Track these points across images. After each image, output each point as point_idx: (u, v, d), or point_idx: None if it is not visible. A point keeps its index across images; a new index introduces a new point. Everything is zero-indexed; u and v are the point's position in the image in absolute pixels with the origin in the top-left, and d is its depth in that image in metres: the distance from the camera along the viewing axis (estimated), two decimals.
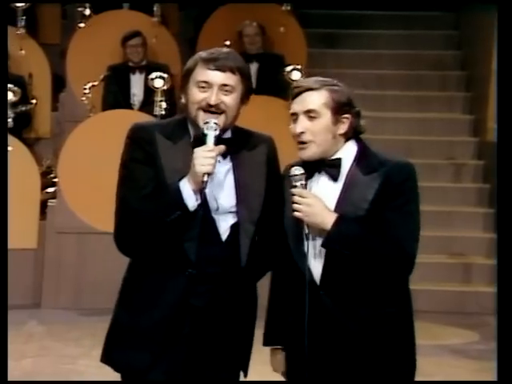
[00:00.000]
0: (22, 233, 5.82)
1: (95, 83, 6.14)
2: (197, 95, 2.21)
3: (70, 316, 5.35)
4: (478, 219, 6.43)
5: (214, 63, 2.22)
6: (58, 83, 6.83)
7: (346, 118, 2.27)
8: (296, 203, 2.21)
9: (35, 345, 4.87)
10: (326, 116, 2.24)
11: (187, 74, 2.25)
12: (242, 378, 2.35)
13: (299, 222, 2.23)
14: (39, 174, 5.99)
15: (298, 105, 2.26)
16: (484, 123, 6.83)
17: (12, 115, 6.04)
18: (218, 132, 2.19)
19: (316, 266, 2.23)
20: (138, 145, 2.22)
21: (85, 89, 6.07)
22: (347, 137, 2.28)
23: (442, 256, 6.21)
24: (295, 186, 2.23)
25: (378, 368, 2.24)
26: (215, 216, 2.21)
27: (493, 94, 6.68)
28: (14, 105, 6.15)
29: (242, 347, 2.30)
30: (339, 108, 2.24)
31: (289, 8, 7.03)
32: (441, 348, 5.07)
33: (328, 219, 2.20)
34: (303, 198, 2.21)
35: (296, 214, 2.21)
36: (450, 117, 7.13)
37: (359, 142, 2.30)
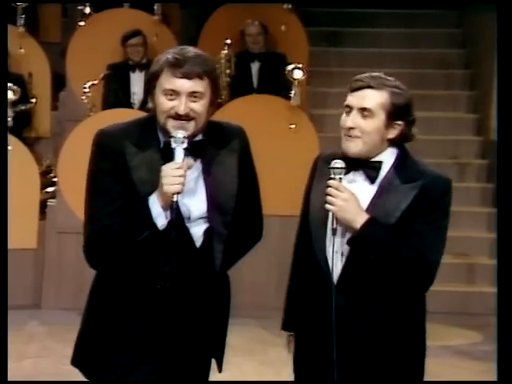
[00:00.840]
0: (22, 233, 5.82)
1: (95, 82, 6.15)
2: (165, 104, 2.14)
3: (70, 316, 5.35)
4: (482, 219, 6.43)
5: (181, 70, 2.13)
6: (58, 82, 6.83)
7: (399, 124, 2.24)
8: (331, 196, 2.18)
9: (36, 345, 4.88)
10: (380, 118, 2.22)
11: (153, 79, 2.17)
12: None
13: (326, 217, 2.21)
14: (39, 173, 6.00)
15: (355, 99, 2.23)
16: (488, 122, 6.82)
17: (12, 114, 6.04)
18: (185, 145, 2.14)
19: (336, 264, 2.22)
20: (106, 155, 2.16)
21: (85, 88, 6.08)
22: (394, 142, 2.26)
23: (446, 256, 6.13)
24: (333, 179, 2.20)
25: (384, 374, 2.24)
26: (188, 224, 2.19)
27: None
28: (14, 104, 6.15)
29: (216, 346, 2.33)
30: (395, 113, 2.22)
31: (290, 6, 7.03)
32: (445, 349, 5.07)
33: (359, 218, 2.18)
34: (340, 191, 2.19)
35: (328, 206, 2.19)
36: (454, 116, 7.13)
37: (400, 148, 2.28)
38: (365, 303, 2.21)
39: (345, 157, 2.23)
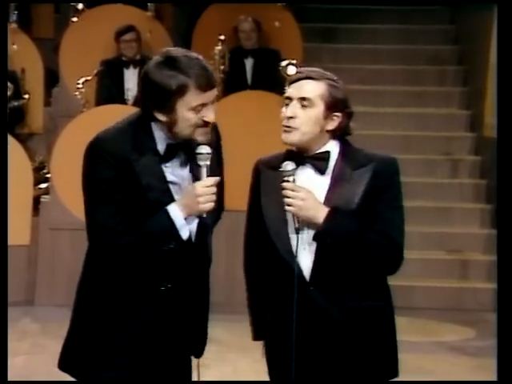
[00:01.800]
0: (15, 229, 5.79)
1: (89, 78, 6.12)
2: (194, 118, 2.14)
3: (63, 313, 5.31)
4: (475, 215, 6.43)
5: (209, 84, 2.16)
6: (51, 78, 6.80)
7: (337, 116, 2.27)
8: (288, 197, 2.22)
9: (29, 342, 4.86)
10: (319, 108, 2.24)
11: (173, 94, 2.11)
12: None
13: (284, 217, 2.23)
14: (32, 169, 5.97)
15: (294, 90, 2.27)
16: (481, 118, 6.82)
17: None
18: (209, 162, 2.18)
19: (305, 261, 2.24)
20: (109, 163, 2.13)
21: (78, 84, 6.05)
22: (334, 135, 2.29)
23: (439, 252, 6.21)
24: (287, 181, 2.23)
25: (364, 361, 2.26)
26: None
27: (490, 89, 6.68)
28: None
29: (200, 338, 2.32)
30: (333, 104, 2.25)
31: (284, 3, 7.02)
32: (438, 345, 5.07)
33: (320, 213, 2.21)
34: (296, 192, 2.22)
35: (288, 208, 2.22)
36: (447, 112, 7.12)
37: (342, 140, 2.31)
38: (340, 294, 2.23)
39: (290, 154, 2.27)
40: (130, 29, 6.48)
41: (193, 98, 2.14)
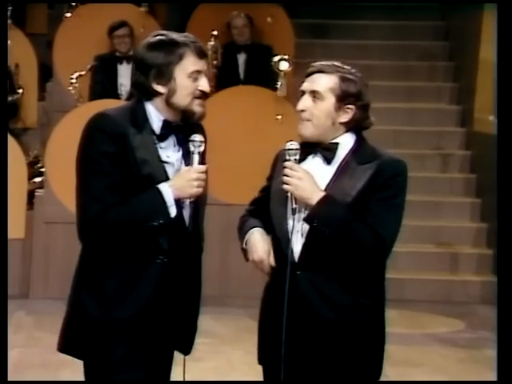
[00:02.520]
0: (10, 223, 5.77)
1: (82, 73, 6.11)
2: (191, 86, 2.24)
3: (58, 306, 5.31)
4: (465, 209, 6.45)
5: (203, 52, 2.27)
6: (45, 73, 6.78)
7: (350, 108, 2.28)
8: (287, 176, 2.23)
9: (23, 335, 4.86)
10: (330, 101, 2.26)
11: (172, 61, 2.22)
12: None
13: (285, 199, 2.25)
14: (26, 163, 5.96)
15: (306, 83, 2.30)
16: (471, 113, 6.84)
17: None
18: (202, 148, 2.25)
19: (297, 244, 2.26)
20: (110, 137, 2.19)
21: (72, 78, 6.04)
22: (348, 127, 2.30)
23: (430, 245, 6.23)
24: (288, 160, 2.25)
25: (348, 357, 2.25)
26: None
27: (480, 85, 6.70)
28: None
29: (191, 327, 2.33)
30: (344, 97, 2.27)
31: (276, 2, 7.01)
32: (428, 336, 5.09)
33: (315, 195, 2.23)
34: (294, 171, 2.23)
35: (285, 186, 2.24)
36: (438, 107, 7.14)
37: (358, 134, 2.32)
38: (326, 285, 2.24)
39: (303, 142, 2.29)
40: (122, 24, 6.46)
41: (190, 63, 2.24)
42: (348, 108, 2.27)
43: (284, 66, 5.95)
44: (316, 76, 2.28)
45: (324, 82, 2.26)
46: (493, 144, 5.86)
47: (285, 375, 2.25)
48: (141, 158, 2.20)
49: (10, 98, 6.31)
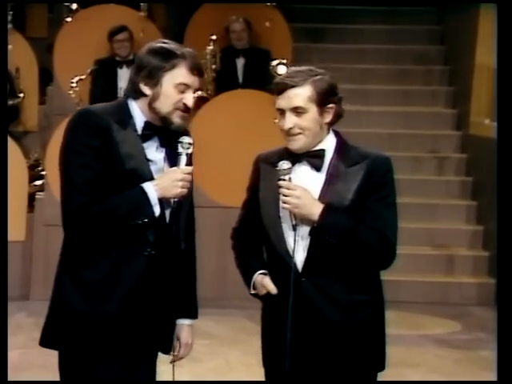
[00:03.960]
0: (11, 225, 5.76)
1: (82, 77, 6.11)
2: (175, 96, 2.24)
3: None
4: (460, 211, 6.45)
5: (198, 69, 2.27)
6: (46, 77, 6.78)
7: (331, 107, 2.30)
8: (285, 195, 2.24)
9: (24, 336, 4.85)
10: (312, 109, 2.27)
11: (163, 67, 2.23)
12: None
13: (280, 213, 2.26)
14: (27, 166, 5.96)
15: (283, 101, 2.29)
16: (467, 117, 6.84)
17: None
18: (191, 150, 2.25)
19: (298, 255, 2.27)
20: (94, 131, 2.20)
21: (72, 82, 6.04)
22: (331, 125, 2.32)
23: (426, 247, 6.23)
24: (283, 180, 2.25)
25: (351, 353, 2.27)
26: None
27: (475, 89, 6.70)
28: None
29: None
30: (323, 99, 2.27)
31: (274, 3, 7.02)
32: (425, 337, 5.09)
33: (315, 210, 2.24)
34: (291, 190, 2.24)
35: (285, 205, 2.25)
36: (434, 111, 7.14)
37: (337, 134, 2.34)
38: (331, 288, 2.25)
39: (289, 153, 2.29)
40: (122, 29, 6.46)
41: (180, 75, 2.24)
42: (329, 108, 2.29)
43: (282, 69, 5.95)
44: (290, 92, 2.26)
45: (301, 95, 2.26)
46: (488, 147, 5.88)
47: (290, 377, 2.25)
48: (125, 153, 2.20)
49: (10, 102, 6.31)
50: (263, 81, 6.20)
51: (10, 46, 6.58)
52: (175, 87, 2.23)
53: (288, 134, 2.28)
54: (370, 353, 2.29)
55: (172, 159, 2.25)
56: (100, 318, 2.19)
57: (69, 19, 6.81)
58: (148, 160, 2.23)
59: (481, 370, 4.34)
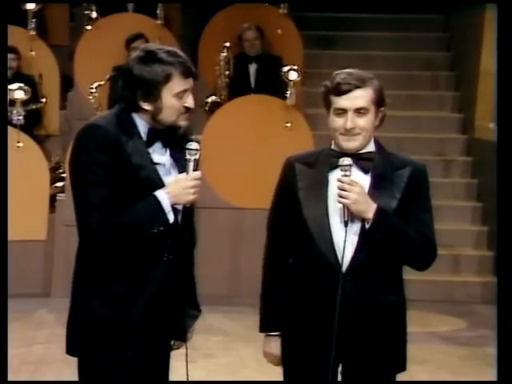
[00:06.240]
0: (33, 225, 5.81)
1: (102, 83, 6.14)
2: (177, 104, 2.21)
3: None
4: (466, 212, 6.43)
5: (190, 71, 2.24)
6: (67, 83, 6.82)
7: (382, 111, 2.33)
8: (344, 190, 2.23)
9: (46, 332, 4.88)
10: (372, 111, 2.29)
11: (160, 83, 2.19)
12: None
13: (326, 211, 2.24)
14: (48, 169, 5.99)
15: (348, 102, 2.27)
16: (472, 121, 6.82)
17: (23, 113, 6.03)
18: (198, 156, 2.23)
19: (346, 252, 2.25)
20: (104, 147, 2.16)
21: (92, 88, 6.07)
22: (377, 127, 2.34)
23: None
24: (345, 175, 2.25)
25: (383, 353, 2.27)
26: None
27: (481, 94, 6.68)
28: (25, 103, 6.13)
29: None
30: (380, 102, 2.31)
31: (286, 11, 7.02)
32: (431, 335, 5.08)
33: (370, 208, 2.24)
34: (352, 186, 2.24)
35: (343, 200, 2.24)
36: (440, 115, 7.12)
37: (375, 139, 2.35)
38: (370, 286, 2.26)
39: (334, 153, 2.30)
40: (139, 36, 6.48)
41: (176, 84, 2.21)
42: (381, 111, 2.31)
43: (293, 75, 5.96)
44: (355, 92, 2.26)
45: (365, 97, 2.27)
46: (493, 150, 5.86)
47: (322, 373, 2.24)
48: (137, 164, 2.18)
49: (33, 107, 6.34)
50: (275, 86, 6.20)
51: (33, 53, 6.64)
52: (175, 96, 2.21)
53: (346, 133, 2.27)
54: (396, 353, 2.30)
55: (177, 160, 2.25)
56: (127, 324, 2.19)
57: (89, 27, 6.84)
58: (155, 163, 2.22)
59: (486, 366, 4.32)
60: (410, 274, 6.38)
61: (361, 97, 2.26)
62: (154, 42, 6.57)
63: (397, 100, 7.19)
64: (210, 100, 6.42)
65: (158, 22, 6.81)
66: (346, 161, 2.25)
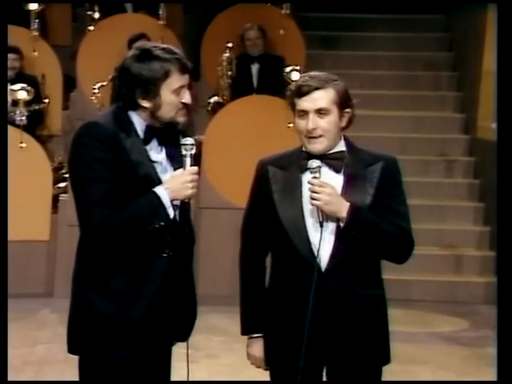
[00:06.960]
0: (35, 225, 5.81)
1: (104, 83, 6.14)
2: (175, 100, 2.23)
3: None
4: (468, 213, 6.42)
5: (186, 67, 2.26)
6: (69, 83, 6.82)
7: (348, 111, 2.32)
8: (315, 192, 2.25)
9: (48, 332, 4.88)
10: (334, 112, 2.29)
11: (158, 80, 2.21)
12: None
13: (302, 212, 2.26)
14: (51, 169, 5.99)
15: (308, 103, 2.29)
16: (474, 121, 6.81)
17: (26, 113, 6.03)
18: (194, 151, 2.24)
19: (323, 252, 2.27)
20: (104, 144, 2.18)
21: (94, 88, 6.06)
22: (345, 129, 2.34)
23: (435, 248, 6.20)
24: (315, 177, 2.26)
25: (366, 347, 2.28)
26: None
27: (483, 94, 6.67)
28: (28, 103, 6.14)
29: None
30: (344, 103, 2.30)
31: (288, 11, 7.02)
32: (434, 335, 5.07)
33: (343, 208, 2.26)
34: (323, 187, 2.25)
35: (315, 202, 2.25)
36: (442, 115, 7.11)
37: (345, 138, 2.36)
38: (352, 283, 2.27)
39: (305, 155, 2.31)
40: (141, 36, 6.47)
41: (175, 80, 2.23)
42: (346, 112, 2.31)
43: (295, 76, 5.95)
44: (315, 94, 2.28)
45: (326, 97, 2.28)
46: (495, 150, 5.84)
47: (304, 374, 2.24)
48: (136, 160, 2.20)
49: (36, 107, 6.35)
50: (277, 86, 6.20)
51: (35, 53, 6.64)
52: (173, 93, 2.23)
53: (309, 135, 2.29)
54: (380, 345, 2.31)
55: (173, 157, 2.26)
56: (129, 321, 2.18)
57: (91, 28, 6.85)
58: (152, 161, 2.24)
59: (488, 367, 4.31)
60: (411, 275, 6.35)
61: (321, 98, 2.27)
62: (156, 43, 6.58)
63: (399, 100, 7.19)
64: (212, 100, 6.42)
65: (160, 22, 6.81)
66: (315, 163, 2.26)
